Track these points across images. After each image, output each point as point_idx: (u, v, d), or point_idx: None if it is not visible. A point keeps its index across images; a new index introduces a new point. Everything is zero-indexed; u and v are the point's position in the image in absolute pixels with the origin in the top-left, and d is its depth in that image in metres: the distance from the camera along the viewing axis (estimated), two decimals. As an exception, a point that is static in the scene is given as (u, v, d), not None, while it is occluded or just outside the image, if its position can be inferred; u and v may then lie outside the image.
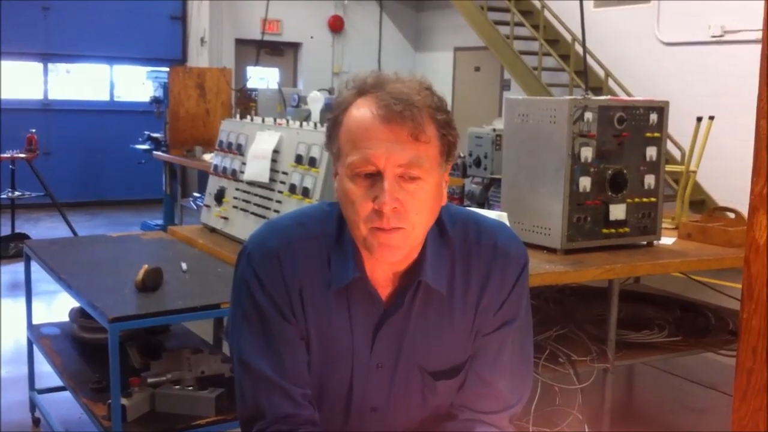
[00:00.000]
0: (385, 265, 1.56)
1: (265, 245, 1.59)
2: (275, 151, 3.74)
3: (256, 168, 3.78)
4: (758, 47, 1.31)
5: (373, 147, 1.44)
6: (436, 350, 1.62)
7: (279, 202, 3.65)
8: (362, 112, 1.47)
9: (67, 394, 3.71)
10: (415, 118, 1.44)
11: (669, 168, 4.40)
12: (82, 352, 3.80)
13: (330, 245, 1.59)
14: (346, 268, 1.56)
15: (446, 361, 1.63)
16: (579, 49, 8.63)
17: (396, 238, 1.47)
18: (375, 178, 1.46)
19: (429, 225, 1.53)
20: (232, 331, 1.64)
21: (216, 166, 4.21)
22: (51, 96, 11.79)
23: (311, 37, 12.93)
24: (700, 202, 8.21)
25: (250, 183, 3.85)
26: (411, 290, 1.57)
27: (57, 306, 5.73)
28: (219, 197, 4.07)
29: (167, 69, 9.20)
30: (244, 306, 1.60)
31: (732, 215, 4.26)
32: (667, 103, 3.80)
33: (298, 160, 3.56)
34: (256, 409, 1.58)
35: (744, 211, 1.52)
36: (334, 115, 1.53)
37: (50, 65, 11.82)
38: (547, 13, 10.30)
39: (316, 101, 5.59)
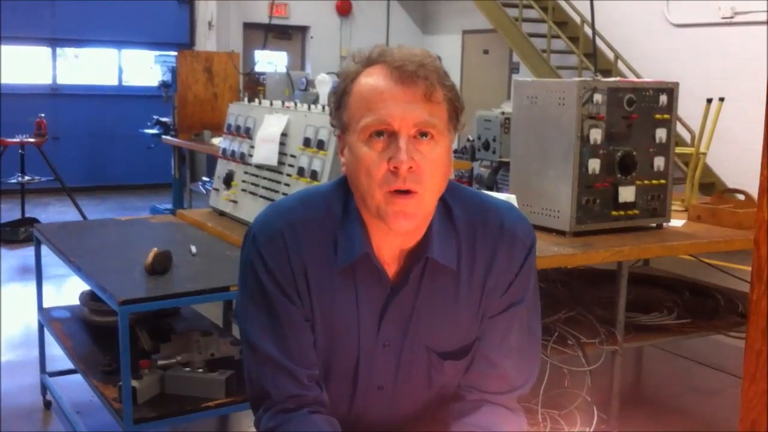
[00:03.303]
0: (393, 240, 1.56)
1: (270, 227, 1.60)
2: (283, 135, 3.74)
3: (265, 151, 3.78)
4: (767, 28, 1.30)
5: (389, 107, 1.46)
6: (443, 330, 1.62)
7: (287, 185, 3.65)
8: (374, 77, 1.50)
9: (77, 376, 3.74)
10: (428, 78, 1.47)
11: (678, 150, 4.38)
12: (93, 335, 3.81)
13: (336, 225, 1.59)
14: (352, 246, 1.56)
15: (453, 341, 1.63)
16: (588, 31, 8.59)
17: (411, 205, 1.47)
18: (389, 140, 1.47)
19: (440, 191, 1.54)
20: (239, 312, 1.65)
21: (224, 150, 4.21)
22: (60, 81, 11.80)
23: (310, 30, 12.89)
24: (710, 185, 8.18)
25: (259, 166, 3.86)
26: (417, 267, 1.57)
27: (67, 289, 5.75)
28: (228, 181, 4.08)
29: (175, 53, 9.20)
30: (249, 288, 1.61)
31: (742, 197, 4.25)
32: (676, 84, 3.77)
33: (306, 143, 3.56)
34: (262, 390, 1.60)
35: (754, 193, 1.51)
36: (340, 87, 1.54)
37: (58, 50, 11.83)
38: (556, -5, 10.26)
39: (324, 84, 5.58)
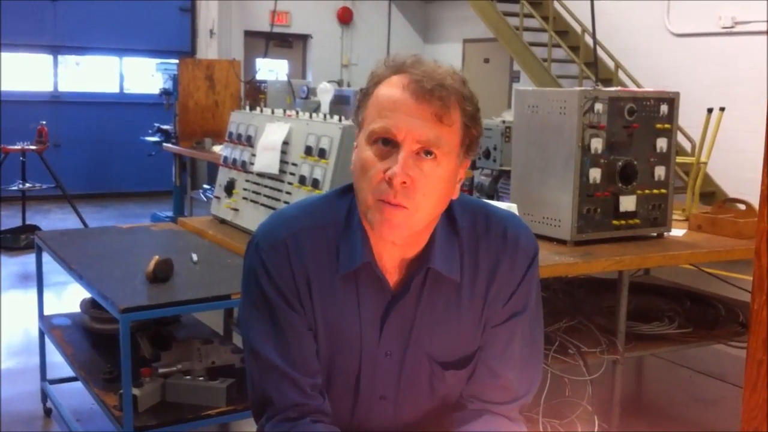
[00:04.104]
0: (393, 249, 1.56)
1: (273, 235, 1.60)
2: (285, 143, 3.74)
3: (266, 159, 3.79)
4: (769, 38, 1.30)
5: (397, 119, 1.46)
6: (444, 340, 1.62)
7: (289, 193, 3.65)
8: (394, 85, 1.49)
9: (78, 384, 3.74)
10: (443, 99, 1.46)
11: (679, 159, 4.38)
12: (93, 343, 3.82)
13: (339, 233, 1.59)
14: (354, 254, 1.56)
15: (455, 351, 1.63)
16: (589, 40, 8.60)
17: (399, 217, 1.47)
18: (392, 150, 1.47)
19: (435, 212, 1.53)
20: (242, 321, 1.65)
21: (226, 158, 4.22)
22: (61, 88, 11.82)
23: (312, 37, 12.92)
24: (711, 194, 8.18)
25: (260, 174, 3.86)
26: (419, 277, 1.58)
27: (68, 297, 5.76)
28: (229, 189, 4.08)
29: (176, 61, 9.22)
30: (252, 296, 1.61)
31: (742, 207, 4.25)
32: (677, 94, 3.78)
33: (308, 151, 3.56)
34: (265, 398, 1.60)
35: (755, 202, 1.51)
36: (366, 87, 1.55)
37: (60, 57, 11.85)
38: (556, 4, 10.27)
39: (325, 92, 5.60)
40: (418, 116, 1.46)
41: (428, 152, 1.47)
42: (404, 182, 1.45)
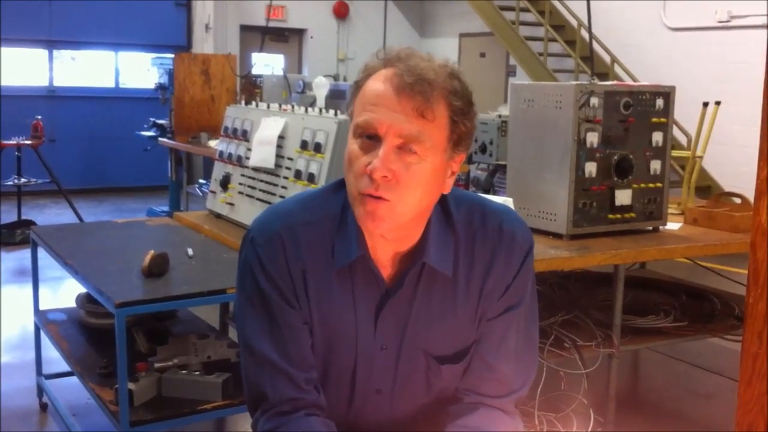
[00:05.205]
0: (386, 243, 1.56)
1: (269, 229, 1.60)
2: (280, 137, 3.74)
3: (262, 154, 3.79)
4: (764, 32, 1.30)
5: (379, 113, 1.45)
6: (440, 334, 1.62)
7: (284, 187, 3.65)
8: (379, 79, 1.48)
9: (74, 379, 3.73)
10: (425, 94, 1.44)
11: (675, 153, 4.39)
12: (89, 338, 3.81)
13: (334, 228, 1.59)
14: (349, 248, 1.56)
15: (450, 345, 1.63)
16: (585, 34, 8.59)
17: (382, 209, 1.46)
18: (376, 144, 1.46)
19: (421, 206, 1.51)
20: (237, 315, 1.65)
21: (221, 153, 4.21)
22: (56, 83, 11.79)
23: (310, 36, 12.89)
24: (706, 188, 8.19)
25: (256, 169, 3.86)
26: (413, 272, 1.57)
27: (64, 292, 5.75)
28: (224, 183, 4.08)
29: (172, 55, 9.21)
30: (248, 290, 1.61)
31: (738, 200, 4.25)
32: (673, 88, 3.78)
33: (304, 145, 3.56)
34: (259, 393, 1.60)
35: (750, 196, 1.51)
36: (358, 79, 1.54)
37: (55, 52, 11.81)
38: (552, -1, 10.27)
39: (321, 87, 5.59)
40: (400, 111, 1.45)
41: (410, 146, 1.46)
42: (385, 176, 1.44)
